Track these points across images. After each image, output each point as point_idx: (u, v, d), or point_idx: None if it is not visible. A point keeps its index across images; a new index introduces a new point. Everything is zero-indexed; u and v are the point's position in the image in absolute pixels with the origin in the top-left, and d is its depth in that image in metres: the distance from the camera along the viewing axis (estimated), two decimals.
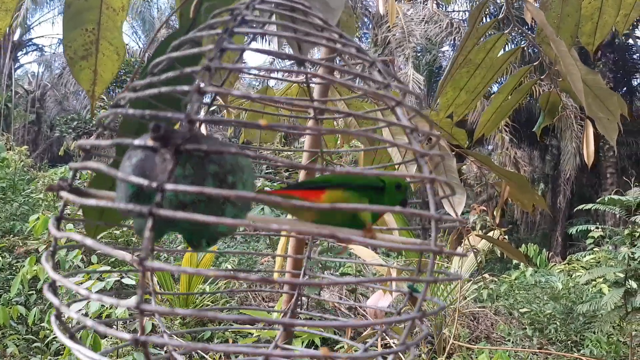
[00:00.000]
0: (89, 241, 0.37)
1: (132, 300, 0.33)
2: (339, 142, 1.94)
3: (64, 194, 0.45)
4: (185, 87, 0.39)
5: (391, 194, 0.57)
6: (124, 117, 0.71)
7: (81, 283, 3.01)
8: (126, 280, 3.00)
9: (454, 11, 12.28)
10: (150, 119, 0.37)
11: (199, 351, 2.57)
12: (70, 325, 0.49)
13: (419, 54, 12.72)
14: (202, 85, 0.38)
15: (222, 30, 0.43)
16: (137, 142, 0.37)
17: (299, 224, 0.36)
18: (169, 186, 0.33)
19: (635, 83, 14.29)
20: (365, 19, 12.81)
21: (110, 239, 3.87)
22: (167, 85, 0.41)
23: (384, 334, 0.67)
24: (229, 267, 4.23)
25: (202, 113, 0.72)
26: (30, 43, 18.51)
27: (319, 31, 0.53)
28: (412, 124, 0.48)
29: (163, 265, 0.33)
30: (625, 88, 13.59)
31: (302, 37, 0.47)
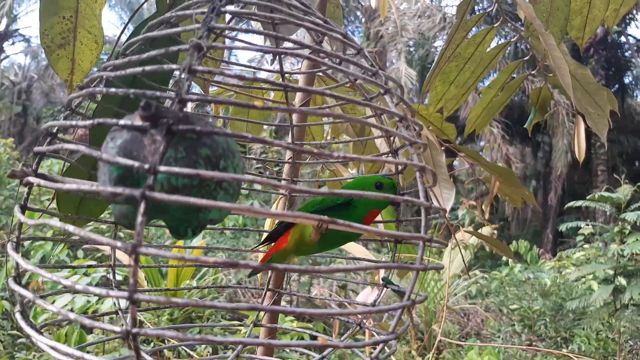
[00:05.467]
0: (70, 227, 0.34)
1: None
2: (328, 137, 1.91)
3: (32, 179, 0.42)
4: (174, 66, 0.36)
5: (364, 199, 0.58)
6: (99, 105, 0.68)
7: (67, 278, 2.98)
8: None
9: (447, 6, 12.26)
10: (136, 98, 0.35)
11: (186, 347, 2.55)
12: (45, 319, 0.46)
13: (411, 49, 12.70)
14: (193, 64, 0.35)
15: (209, 9, 0.41)
16: (122, 121, 0.34)
17: (288, 214, 0.34)
18: (162, 168, 0.30)
19: (627, 80, 14.36)
20: (358, 13, 12.77)
21: (97, 233, 3.82)
22: (147, 65, 0.38)
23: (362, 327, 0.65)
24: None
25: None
26: (16, 33, 18.30)
27: (303, 15, 0.51)
28: (402, 112, 0.46)
29: (155, 250, 0.31)
30: (617, 85, 13.66)
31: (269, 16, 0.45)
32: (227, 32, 0.59)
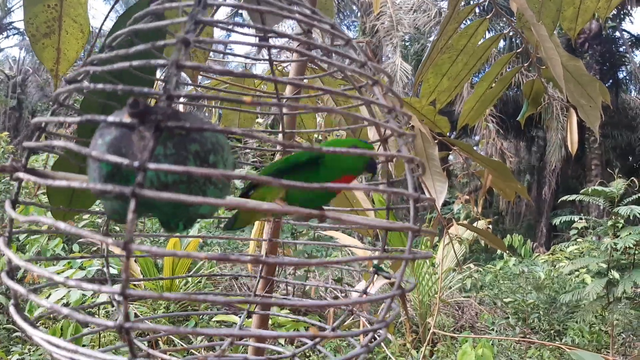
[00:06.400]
0: (61, 225, 0.35)
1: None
2: (320, 124, 1.91)
3: (22, 175, 0.42)
4: (161, 61, 0.36)
5: (336, 160, 0.56)
6: (85, 97, 0.68)
7: (62, 272, 2.97)
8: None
9: (442, 0, 12.24)
10: (124, 95, 0.35)
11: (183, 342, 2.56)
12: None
13: (407, 43, 12.68)
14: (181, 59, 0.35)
15: (195, 1, 0.40)
16: (111, 118, 0.34)
17: (286, 206, 0.34)
18: (152, 165, 0.31)
19: (621, 75, 14.40)
20: (354, 7, 12.74)
21: (93, 227, 3.82)
22: (132, 60, 0.37)
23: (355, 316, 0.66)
24: None
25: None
26: (10, 27, 18.13)
27: (288, 5, 0.51)
28: (389, 103, 0.47)
29: (146, 247, 0.32)
30: (611, 80, 13.70)
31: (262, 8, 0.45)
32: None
